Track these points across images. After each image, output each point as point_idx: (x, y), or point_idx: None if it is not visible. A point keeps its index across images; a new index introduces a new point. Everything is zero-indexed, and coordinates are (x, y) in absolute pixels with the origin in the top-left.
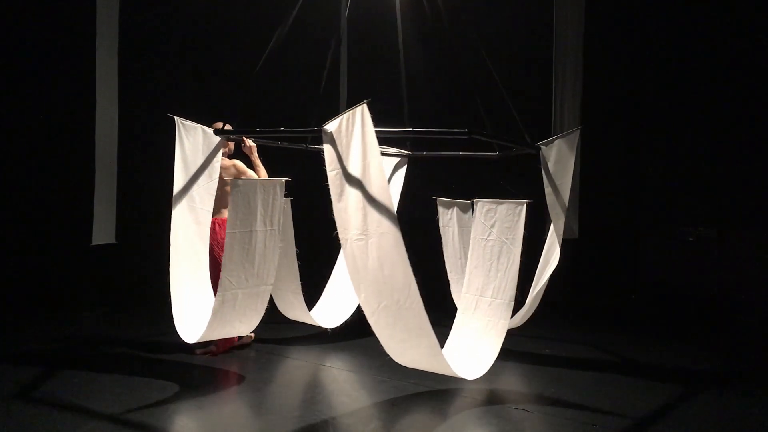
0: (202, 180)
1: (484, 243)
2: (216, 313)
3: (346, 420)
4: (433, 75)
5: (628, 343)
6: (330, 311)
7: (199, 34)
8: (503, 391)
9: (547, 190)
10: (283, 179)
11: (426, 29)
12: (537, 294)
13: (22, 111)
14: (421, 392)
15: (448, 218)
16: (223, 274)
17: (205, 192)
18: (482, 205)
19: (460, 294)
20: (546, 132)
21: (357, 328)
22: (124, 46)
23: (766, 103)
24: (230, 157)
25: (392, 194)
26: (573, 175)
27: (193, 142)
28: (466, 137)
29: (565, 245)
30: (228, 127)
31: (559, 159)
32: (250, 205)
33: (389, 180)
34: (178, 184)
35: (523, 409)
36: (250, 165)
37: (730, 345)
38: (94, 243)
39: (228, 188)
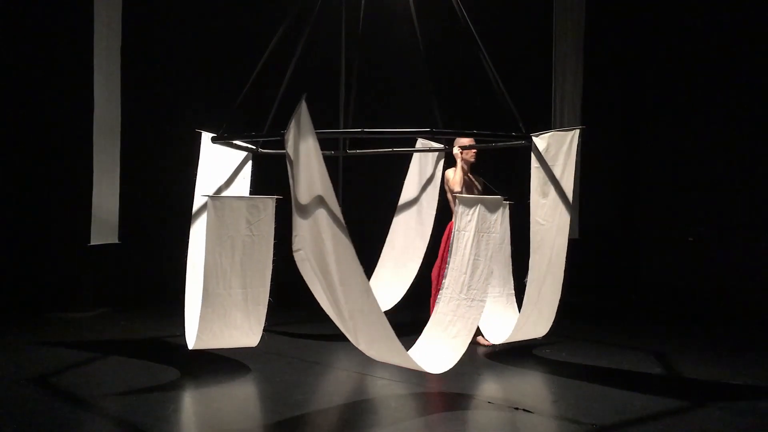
0: (431, 189)
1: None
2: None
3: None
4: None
5: (628, 343)
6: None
7: (202, 31)
8: (503, 392)
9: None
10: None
11: (424, 27)
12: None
13: (22, 108)
14: (420, 392)
15: (468, 220)
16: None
17: (431, 198)
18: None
19: (441, 309)
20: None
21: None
22: (126, 42)
23: (766, 103)
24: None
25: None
26: (574, 175)
27: (427, 156)
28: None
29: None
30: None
31: (295, 145)
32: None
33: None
34: (409, 192)
35: (524, 410)
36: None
37: (730, 345)
38: (92, 243)
39: (450, 195)
